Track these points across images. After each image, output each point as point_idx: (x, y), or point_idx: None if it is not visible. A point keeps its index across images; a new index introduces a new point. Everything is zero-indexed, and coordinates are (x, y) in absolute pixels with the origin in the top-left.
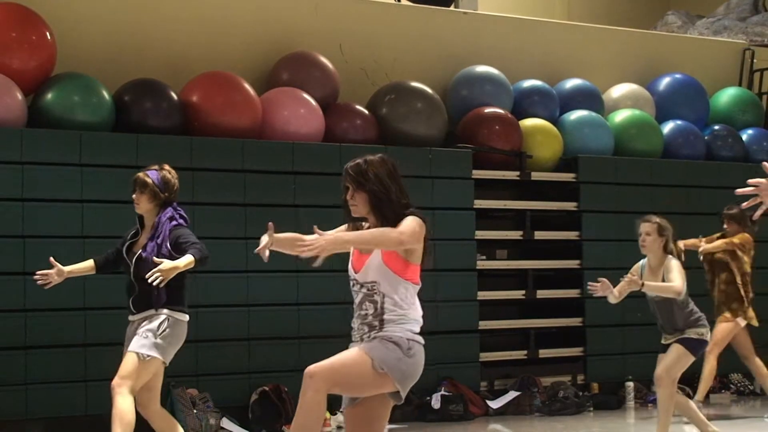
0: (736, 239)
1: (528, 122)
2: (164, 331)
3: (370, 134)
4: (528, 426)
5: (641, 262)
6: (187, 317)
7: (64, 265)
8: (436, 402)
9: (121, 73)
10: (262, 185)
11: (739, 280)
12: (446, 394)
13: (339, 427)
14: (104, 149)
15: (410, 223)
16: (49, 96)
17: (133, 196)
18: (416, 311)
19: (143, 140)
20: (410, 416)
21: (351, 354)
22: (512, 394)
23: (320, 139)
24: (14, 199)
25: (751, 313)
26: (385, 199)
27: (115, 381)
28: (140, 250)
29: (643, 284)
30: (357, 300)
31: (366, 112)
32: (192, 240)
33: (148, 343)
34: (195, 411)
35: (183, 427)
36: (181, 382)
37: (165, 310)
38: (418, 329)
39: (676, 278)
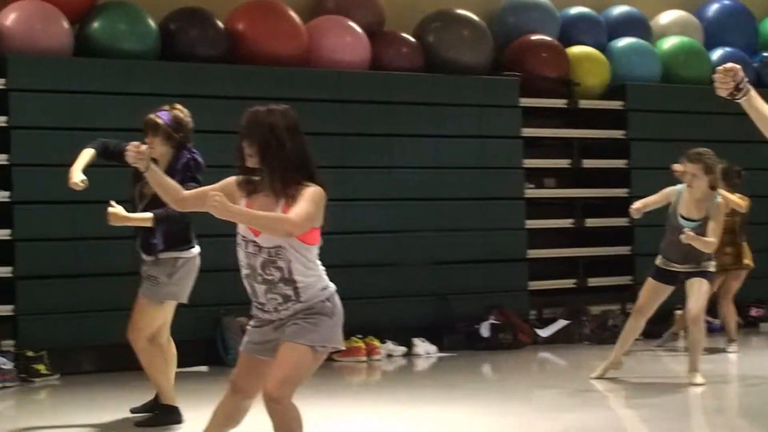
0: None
1: (575, 50)
2: (175, 273)
3: (417, 62)
4: (577, 354)
5: (678, 187)
6: (196, 251)
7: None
8: (485, 330)
9: (168, 0)
10: (308, 114)
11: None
12: (495, 322)
13: (389, 355)
14: (150, 78)
15: (305, 206)
16: (95, 25)
17: (146, 140)
18: (320, 266)
19: (189, 69)
20: (459, 344)
21: (292, 355)
22: (561, 323)
23: (367, 68)
24: (62, 128)
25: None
26: (277, 154)
27: (131, 335)
28: (153, 193)
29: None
30: (255, 263)
31: (412, 39)
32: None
33: (160, 290)
34: None
35: (233, 354)
36: (231, 311)
37: (173, 252)
38: (327, 280)
39: (715, 232)
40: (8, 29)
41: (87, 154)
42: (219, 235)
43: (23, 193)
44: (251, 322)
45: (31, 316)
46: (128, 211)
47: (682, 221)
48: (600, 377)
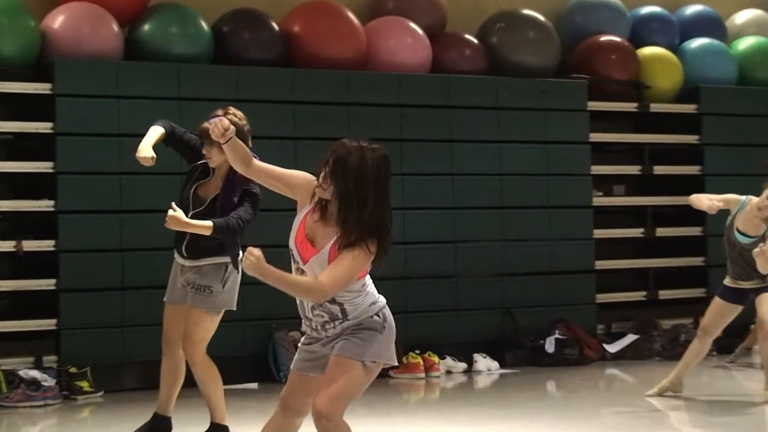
0: None
1: (646, 51)
2: (227, 280)
3: (480, 65)
4: (647, 371)
5: (743, 198)
6: (241, 255)
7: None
8: (550, 346)
9: (220, 2)
10: (366, 119)
11: None
12: (561, 337)
13: (448, 371)
14: (203, 82)
15: (343, 271)
16: (146, 27)
17: (203, 151)
18: (369, 284)
19: (243, 72)
20: (523, 360)
21: (342, 370)
22: (630, 338)
23: (427, 70)
24: (110, 134)
25: None
26: (355, 210)
27: (188, 350)
28: (209, 198)
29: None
30: None
31: (475, 41)
32: (244, 209)
33: (216, 299)
34: None
35: (286, 371)
36: (284, 325)
37: (222, 258)
38: (376, 294)
39: None
40: (56, 32)
41: (156, 132)
42: (271, 246)
43: (68, 202)
44: (303, 339)
45: (74, 330)
46: (182, 209)
47: (738, 236)
48: (657, 395)
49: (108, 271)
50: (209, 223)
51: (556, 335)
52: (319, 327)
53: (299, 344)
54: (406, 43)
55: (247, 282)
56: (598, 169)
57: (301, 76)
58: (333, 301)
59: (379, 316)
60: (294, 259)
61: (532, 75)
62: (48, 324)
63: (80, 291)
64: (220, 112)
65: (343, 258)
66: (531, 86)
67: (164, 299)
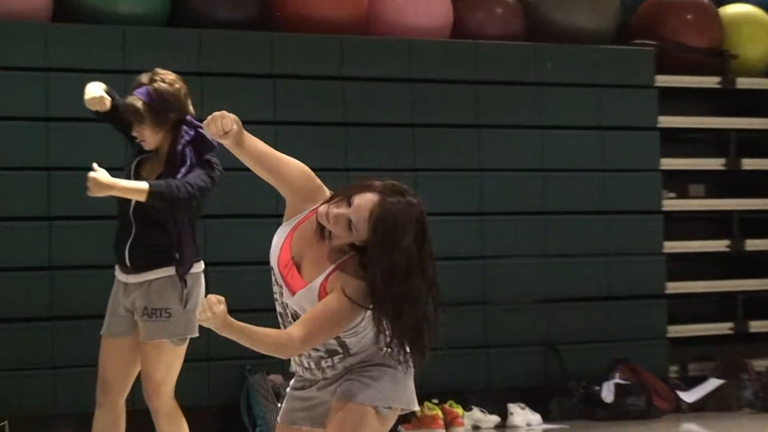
0: None
1: (732, 9)
2: (190, 298)
3: (514, 28)
4: (736, 427)
5: None
6: (203, 265)
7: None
8: (608, 393)
9: None
10: (367, 97)
11: None
12: (622, 382)
13: (475, 427)
14: (155, 50)
15: (323, 323)
16: None
17: (134, 132)
18: None
19: (207, 37)
20: (573, 412)
21: (347, 420)
22: (713, 383)
23: (447, 35)
24: (36, 118)
25: None
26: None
27: (151, 396)
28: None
29: None
30: (285, 311)
31: None
32: (195, 174)
33: (177, 324)
34: (280, 405)
35: (264, 425)
36: (261, 366)
37: (179, 268)
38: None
39: None
40: None
41: (99, 86)
42: (245, 263)
43: None
44: (292, 382)
45: None
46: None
47: None
48: None
49: (33, 296)
50: (143, 184)
51: (616, 380)
52: (313, 366)
53: (287, 389)
54: (420, 0)
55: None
56: (669, 163)
57: (283, 42)
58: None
59: (389, 347)
60: (276, 282)
61: (583, 41)
62: None
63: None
64: (145, 78)
65: (329, 303)
66: (581, 55)
67: (101, 332)
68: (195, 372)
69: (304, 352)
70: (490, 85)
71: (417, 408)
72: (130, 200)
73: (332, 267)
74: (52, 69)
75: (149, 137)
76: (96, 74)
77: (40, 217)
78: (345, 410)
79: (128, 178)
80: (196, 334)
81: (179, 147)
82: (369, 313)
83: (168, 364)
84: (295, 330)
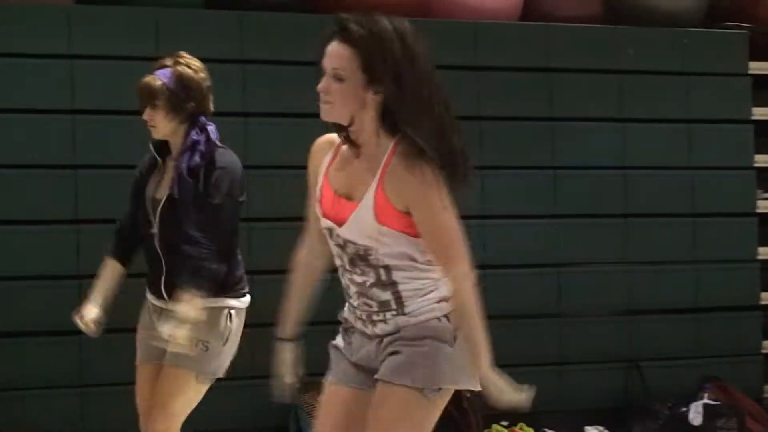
0: None
1: None
2: (229, 335)
3: (592, 8)
4: None
5: None
6: (248, 300)
7: None
8: (695, 415)
9: None
10: None
11: None
12: (711, 402)
13: None
14: (191, 35)
15: (443, 219)
16: None
17: (143, 116)
18: (428, 258)
19: (248, 20)
20: None
21: (391, 403)
22: None
23: (517, 17)
24: (60, 110)
25: None
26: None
27: (158, 423)
28: (167, 193)
29: None
30: (343, 258)
31: None
32: (215, 218)
33: (212, 360)
34: None
35: None
36: (311, 384)
37: (224, 300)
38: (446, 289)
39: None
40: None
41: (110, 271)
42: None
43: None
44: (340, 332)
45: (10, 392)
46: (141, 224)
47: None
48: None
49: (60, 308)
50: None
51: (705, 400)
52: (364, 317)
53: (331, 343)
54: None
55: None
56: (764, 160)
57: (330, 24)
58: (385, 284)
59: (447, 318)
60: (330, 234)
61: (669, 24)
62: None
63: (19, 335)
64: (168, 60)
65: (426, 201)
66: (667, 40)
67: (137, 360)
68: (237, 392)
69: (470, 269)
70: (565, 73)
71: (478, 387)
72: (153, 233)
73: (381, 169)
74: (77, 56)
75: (160, 123)
76: (125, 61)
77: (68, 220)
78: (388, 392)
79: (147, 203)
80: (221, 376)
81: (193, 137)
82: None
83: (188, 399)
84: (448, 264)
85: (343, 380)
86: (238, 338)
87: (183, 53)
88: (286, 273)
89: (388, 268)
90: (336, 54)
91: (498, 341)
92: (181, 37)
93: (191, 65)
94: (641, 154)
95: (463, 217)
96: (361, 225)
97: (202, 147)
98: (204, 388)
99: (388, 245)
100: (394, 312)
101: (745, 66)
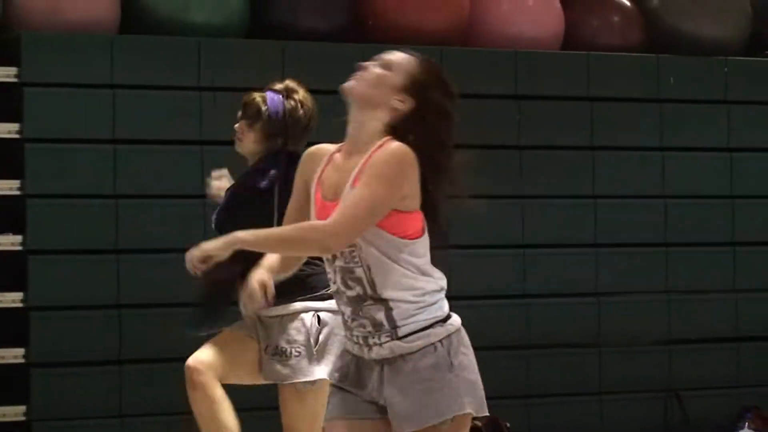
0: None
1: None
2: (319, 334)
3: (633, 37)
4: None
5: None
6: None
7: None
8: None
9: None
10: (469, 114)
11: None
12: (754, 431)
13: None
14: (234, 64)
15: (359, 196)
16: None
17: (236, 125)
18: (431, 275)
19: (292, 50)
20: None
21: None
22: None
23: (558, 46)
24: (101, 140)
25: None
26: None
27: None
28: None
29: None
30: (334, 275)
31: (627, 3)
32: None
33: (302, 363)
34: None
35: None
36: None
37: (307, 302)
38: (444, 304)
39: None
40: None
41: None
42: None
43: (41, 237)
44: (336, 363)
45: (50, 422)
46: None
47: None
48: None
49: (99, 336)
50: None
51: (746, 429)
52: (360, 341)
53: (333, 382)
54: (526, 6)
55: None
56: None
57: (375, 54)
58: (375, 300)
59: (444, 343)
60: None
61: (711, 52)
62: (14, 413)
63: (58, 365)
64: (279, 87)
65: (364, 177)
66: (709, 68)
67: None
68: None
69: (341, 240)
70: (606, 101)
71: (486, 413)
72: None
73: (362, 163)
74: (119, 86)
75: (247, 140)
76: (168, 91)
77: (108, 250)
78: None
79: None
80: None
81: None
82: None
83: (302, 414)
84: (332, 214)
85: (354, 413)
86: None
87: (299, 88)
88: None
89: (370, 270)
90: (397, 55)
91: (538, 370)
92: (223, 67)
93: (304, 105)
94: (682, 183)
95: (511, 246)
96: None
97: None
98: (306, 398)
99: (370, 242)
100: (388, 335)
101: None
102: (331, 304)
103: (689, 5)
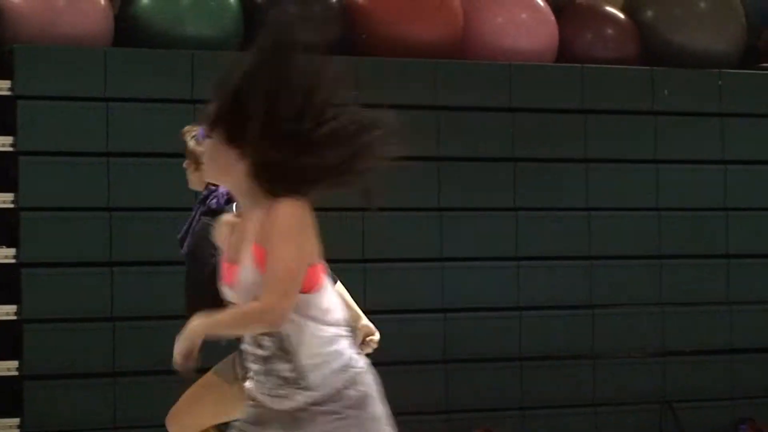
0: None
1: None
2: None
3: (628, 50)
4: None
5: None
6: None
7: None
8: None
9: None
10: (462, 127)
11: None
12: None
13: None
14: None
15: (277, 264)
16: (145, 1)
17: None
18: (329, 318)
19: None
20: None
21: None
22: None
23: (552, 59)
24: (95, 153)
25: None
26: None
27: None
28: None
29: None
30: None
31: (621, 16)
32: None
33: None
34: None
35: None
36: None
37: None
38: (344, 342)
39: None
40: (16, 7)
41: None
42: None
43: (34, 250)
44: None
45: None
46: None
47: None
48: None
49: (92, 348)
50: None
51: None
52: (270, 394)
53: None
54: (521, 20)
55: None
56: None
57: (369, 67)
58: (283, 357)
59: (356, 387)
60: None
61: (705, 65)
62: (7, 425)
63: (52, 377)
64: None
65: (271, 247)
66: (703, 81)
67: None
68: None
69: (286, 311)
70: (600, 114)
71: None
72: None
73: (257, 224)
74: (112, 99)
75: (192, 176)
76: (161, 104)
77: (101, 263)
78: None
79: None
80: None
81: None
82: None
83: None
84: (263, 294)
85: None
86: None
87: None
88: None
89: (280, 330)
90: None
91: (533, 382)
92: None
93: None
94: (676, 196)
95: (506, 258)
96: (246, 282)
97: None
98: None
99: None
100: (297, 388)
101: None
102: None
103: (683, 18)
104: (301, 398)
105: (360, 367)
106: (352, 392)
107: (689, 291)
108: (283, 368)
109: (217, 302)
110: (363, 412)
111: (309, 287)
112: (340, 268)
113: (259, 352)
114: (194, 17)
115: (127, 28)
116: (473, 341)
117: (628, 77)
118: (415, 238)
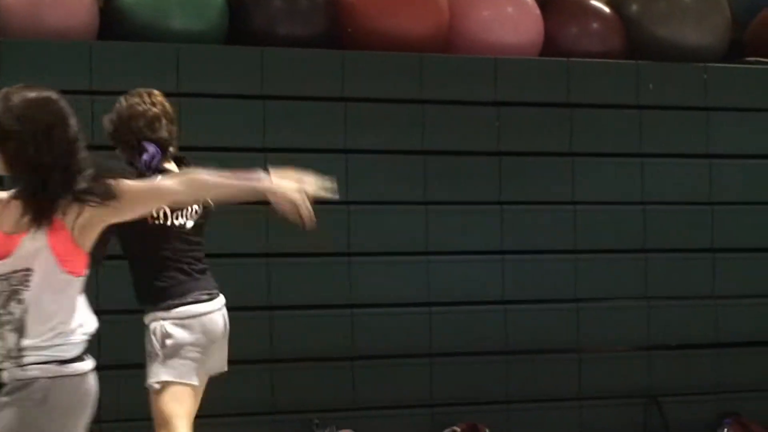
0: None
1: None
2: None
3: (613, 44)
4: None
5: None
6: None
7: None
8: None
9: None
10: (448, 121)
11: None
12: None
13: None
14: (212, 70)
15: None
16: None
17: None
18: (80, 317)
19: (270, 56)
20: None
21: None
22: None
23: (537, 53)
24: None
25: None
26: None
27: None
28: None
29: None
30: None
31: (606, 10)
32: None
33: (152, 367)
34: None
35: None
36: (329, 419)
37: (157, 313)
38: (80, 347)
39: None
40: (3, 3)
41: None
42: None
43: None
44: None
45: None
46: None
47: None
48: None
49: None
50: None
51: None
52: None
53: None
54: (506, 13)
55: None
56: None
57: (355, 61)
58: (17, 327)
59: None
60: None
61: (690, 59)
62: None
63: None
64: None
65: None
66: (688, 75)
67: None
68: (256, 427)
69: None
70: (585, 108)
71: None
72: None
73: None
74: (98, 92)
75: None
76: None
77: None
78: None
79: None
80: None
81: None
82: None
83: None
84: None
85: None
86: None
87: (154, 91)
88: None
89: (30, 296)
90: None
91: (518, 376)
92: (201, 73)
93: (127, 98)
94: (661, 190)
95: (492, 252)
96: (31, 249)
97: None
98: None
99: (44, 269)
100: (13, 363)
101: (767, 101)
102: (178, 313)
103: (668, 12)
104: (12, 374)
105: (87, 366)
106: (42, 382)
107: (675, 285)
108: (9, 336)
109: None
110: (34, 408)
111: (79, 270)
112: (326, 261)
113: (5, 317)
114: (179, 11)
115: (113, 22)
116: (458, 335)
117: (614, 71)
118: (400, 232)
